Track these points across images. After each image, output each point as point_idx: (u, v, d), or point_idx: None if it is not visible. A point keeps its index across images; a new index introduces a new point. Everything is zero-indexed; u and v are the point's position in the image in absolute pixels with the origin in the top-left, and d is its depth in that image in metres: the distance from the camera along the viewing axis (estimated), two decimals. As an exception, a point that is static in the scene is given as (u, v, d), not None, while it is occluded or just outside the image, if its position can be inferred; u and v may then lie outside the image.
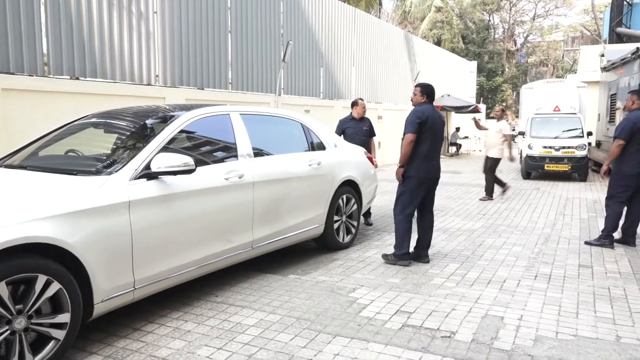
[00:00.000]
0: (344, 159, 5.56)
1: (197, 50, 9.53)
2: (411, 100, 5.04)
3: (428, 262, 4.99)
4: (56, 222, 2.81)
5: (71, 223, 2.88)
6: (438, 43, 31.39)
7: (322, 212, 5.16)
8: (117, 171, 3.30)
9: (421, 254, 5.04)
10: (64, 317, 2.84)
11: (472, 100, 25.64)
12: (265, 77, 11.51)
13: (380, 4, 26.97)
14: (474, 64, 28.72)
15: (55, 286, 2.78)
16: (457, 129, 22.00)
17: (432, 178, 4.90)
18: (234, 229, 4.09)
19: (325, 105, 13.51)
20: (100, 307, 3.08)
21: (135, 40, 8.28)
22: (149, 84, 8.53)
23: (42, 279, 2.73)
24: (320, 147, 5.37)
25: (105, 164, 3.46)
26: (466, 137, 22.56)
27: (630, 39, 19.04)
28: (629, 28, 20.60)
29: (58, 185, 3.10)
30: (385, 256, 5.03)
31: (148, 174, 3.40)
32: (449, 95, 20.04)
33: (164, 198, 3.47)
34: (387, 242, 5.80)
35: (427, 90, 4.97)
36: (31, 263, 2.70)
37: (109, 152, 3.81)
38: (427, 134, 4.77)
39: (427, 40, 27.87)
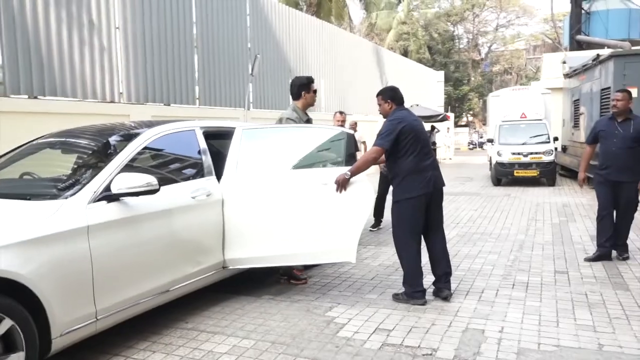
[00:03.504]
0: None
1: (162, 66, 9.31)
2: (380, 113, 4.39)
3: (450, 295, 4.10)
4: (6, 253, 2.59)
5: (23, 253, 2.67)
6: (405, 54, 31.78)
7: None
8: (74, 194, 3.10)
9: (440, 288, 4.15)
10: (18, 357, 2.61)
11: (440, 109, 25.96)
12: (234, 91, 11.35)
13: (350, 18, 27.20)
14: (441, 74, 29.15)
15: (6, 323, 2.56)
16: (433, 128, 21.95)
17: (429, 193, 4.03)
18: (203, 250, 3.91)
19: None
20: (59, 342, 2.86)
21: (97, 57, 8.02)
22: (112, 101, 8.26)
23: (-10, 317, 2.50)
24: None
25: (61, 187, 3.24)
26: (434, 143, 22.54)
27: (590, 46, 19.62)
28: (588, 35, 21.24)
29: (9, 211, 2.89)
30: (395, 296, 4.19)
31: (108, 196, 3.21)
32: (417, 105, 20.21)
33: (127, 221, 3.28)
34: (364, 256, 5.69)
35: (390, 94, 4.23)
36: (-23, 299, 2.48)
37: (67, 173, 3.59)
38: (409, 143, 4.00)
39: (394, 52, 28.17)
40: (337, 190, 4.01)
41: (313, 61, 14.97)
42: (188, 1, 9.95)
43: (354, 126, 8.90)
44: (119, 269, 3.21)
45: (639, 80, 9.86)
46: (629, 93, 5.27)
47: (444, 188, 4.21)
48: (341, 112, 7.01)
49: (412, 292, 4.06)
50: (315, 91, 4.89)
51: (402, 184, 4.03)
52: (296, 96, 4.90)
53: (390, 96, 4.22)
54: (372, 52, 19.72)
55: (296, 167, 4.59)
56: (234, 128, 4.46)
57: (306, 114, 4.96)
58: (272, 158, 4.57)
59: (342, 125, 6.76)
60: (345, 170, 4.04)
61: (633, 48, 14.71)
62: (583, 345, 3.24)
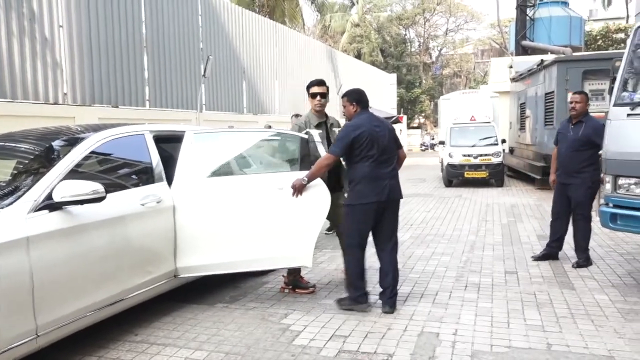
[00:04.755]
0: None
1: (110, 66, 8.98)
2: (343, 115, 4.35)
3: (391, 311, 3.98)
4: None
5: (-46, 268, 2.48)
6: (358, 56, 32.09)
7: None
8: (11, 203, 2.91)
9: (384, 302, 4.04)
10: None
11: (393, 111, 26.39)
12: (186, 93, 11.10)
13: (303, 20, 27.19)
14: (393, 77, 29.64)
15: None
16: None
17: (383, 201, 3.95)
18: (153, 259, 3.77)
19: (249, 121, 13.25)
20: (-5, 362, 2.68)
21: (39, 56, 7.65)
22: (55, 103, 7.90)
23: None
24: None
25: (-2, 196, 3.04)
26: None
27: (535, 51, 20.40)
28: (533, 41, 22.10)
29: (-62, 224, 2.68)
30: (339, 301, 4.13)
31: (50, 205, 3.03)
32: (371, 107, 20.43)
33: (71, 230, 3.11)
34: (319, 260, 5.66)
35: (356, 97, 4.14)
36: None
37: (4, 181, 3.38)
38: (366, 149, 3.91)
39: (348, 54, 28.42)
40: (293, 194, 3.99)
41: (267, 63, 14.86)
42: (137, 0, 9.66)
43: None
44: (62, 282, 3.04)
45: (580, 85, 10.31)
46: (587, 95, 5.36)
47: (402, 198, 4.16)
48: (297, 115, 6.94)
49: (357, 297, 4.01)
50: (313, 95, 4.54)
51: (357, 188, 3.96)
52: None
53: (356, 99, 4.13)
54: (326, 54, 19.79)
55: (249, 171, 4.56)
56: (185, 132, 4.33)
57: (325, 116, 4.66)
58: (224, 162, 4.50)
59: None
60: (301, 175, 4.02)
61: (574, 54, 15.40)
62: (533, 346, 3.32)
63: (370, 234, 4.09)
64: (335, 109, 15.47)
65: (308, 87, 4.61)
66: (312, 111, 4.63)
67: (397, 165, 4.18)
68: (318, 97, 4.51)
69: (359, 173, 3.96)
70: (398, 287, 4.41)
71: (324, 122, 4.63)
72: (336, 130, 4.60)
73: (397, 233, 4.20)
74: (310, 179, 3.99)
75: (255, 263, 4.14)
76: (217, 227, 4.02)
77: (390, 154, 4.06)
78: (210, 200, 4.06)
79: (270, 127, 10.76)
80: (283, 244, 4.04)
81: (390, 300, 4.02)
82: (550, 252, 5.52)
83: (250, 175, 4.49)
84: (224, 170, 4.42)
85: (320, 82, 4.61)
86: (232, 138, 4.81)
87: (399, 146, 4.23)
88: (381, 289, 4.09)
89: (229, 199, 4.08)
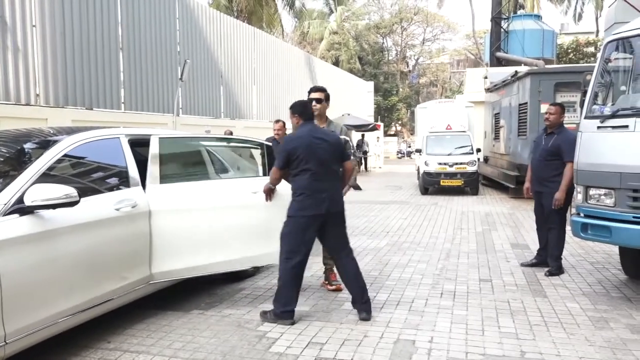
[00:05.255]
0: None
1: (84, 67, 8.82)
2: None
3: (368, 318, 3.96)
4: None
5: None
6: (336, 63, 32.27)
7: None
8: (-20, 207, 2.82)
9: (357, 308, 4.05)
10: None
11: (370, 118, 26.56)
12: (162, 96, 10.98)
13: (282, 26, 27.23)
14: (371, 84, 29.84)
15: None
16: (362, 136, 22.25)
17: (321, 215, 3.91)
18: (127, 264, 3.70)
19: (227, 125, 13.17)
20: (-41, 371, 2.58)
21: (10, 55, 7.47)
22: (27, 104, 7.71)
23: None
24: (224, 170, 5.10)
25: (-35, 199, 2.95)
26: (365, 152, 22.92)
27: (509, 62, 20.87)
28: (507, 53, 22.58)
29: None
30: (263, 314, 4.01)
31: (21, 209, 2.95)
32: (349, 114, 20.56)
33: (42, 235, 3.03)
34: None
35: (298, 109, 4.12)
36: None
37: (-27, 184, 3.27)
38: (303, 162, 3.90)
39: (326, 61, 28.54)
40: (266, 199, 4.31)
41: (245, 68, 14.81)
42: (113, 1, 9.52)
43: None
44: (33, 288, 2.96)
45: (552, 96, 10.56)
46: (563, 107, 5.49)
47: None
48: (277, 121, 6.91)
49: (281, 312, 3.90)
50: (310, 101, 4.49)
51: (296, 200, 3.94)
52: None
53: (299, 111, 4.12)
54: (305, 61, 19.84)
55: (224, 176, 4.64)
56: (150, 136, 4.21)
57: (325, 122, 4.65)
58: (195, 167, 4.59)
59: (281, 134, 6.60)
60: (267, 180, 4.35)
61: (547, 66, 15.79)
62: (507, 353, 3.36)
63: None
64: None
65: (308, 93, 4.70)
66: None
67: (344, 177, 4.28)
68: (314, 103, 4.52)
69: (298, 186, 3.95)
70: (374, 295, 4.44)
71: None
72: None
73: (349, 241, 4.20)
74: (274, 185, 4.28)
75: (231, 263, 4.34)
76: (193, 231, 4.05)
77: (330, 167, 4.02)
78: (185, 204, 4.07)
79: (209, 131, 10.67)
80: (258, 244, 4.36)
81: (364, 306, 4.02)
82: (539, 260, 5.61)
83: (225, 179, 4.70)
84: (196, 175, 4.51)
85: (317, 89, 4.67)
86: (199, 143, 4.88)
87: (345, 158, 4.21)
88: (354, 301, 4.08)
89: (205, 202, 4.17)
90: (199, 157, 4.74)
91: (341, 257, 4.08)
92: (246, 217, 4.30)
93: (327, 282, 4.83)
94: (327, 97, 4.65)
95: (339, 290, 4.66)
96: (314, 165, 3.91)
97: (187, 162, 4.68)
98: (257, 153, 4.90)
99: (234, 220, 4.24)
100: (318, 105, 4.53)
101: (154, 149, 4.07)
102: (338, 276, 4.42)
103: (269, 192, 4.28)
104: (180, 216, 4.01)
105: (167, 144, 4.23)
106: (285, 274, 3.92)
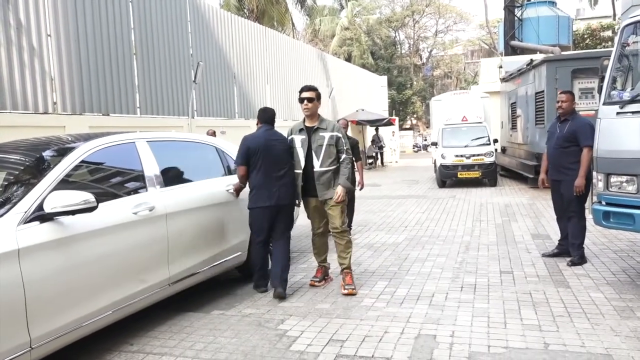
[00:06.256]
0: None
1: (99, 74, 8.94)
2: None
3: (283, 295, 4.46)
4: None
5: (-56, 282, 2.44)
6: (348, 59, 32.17)
7: (244, 239, 4.91)
8: (1, 215, 2.87)
9: (275, 285, 4.57)
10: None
11: (385, 113, 26.43)
12: (177, 99, 11.06)
13: (293, 24, 27.21)
14: (384, 79, 29.70)
15: None
16: (377, 131, 22.10)
17: (271, 206, 4.48)
18: (147, 267, 3.74)
19: (241, 126, 13.23)
20: (-13, 377, 2.64)
21: (27, 66, 7.59)
22: (45, 112, 7.84)
23: None
24: (238, 170, 5.13)
25: (-13, 208, 3.00)
26: (381, 147, 22.81)
27: (524, 51, 20.54)
28: (521, 41, 22.25)
29: None
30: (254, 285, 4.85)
31: (41, 216, 3.00)
32: (363, 110, 20.50)
33: (62, 242, 3.08)
34: (314, 265, 5.61)
35: (258, 114, 4.85)
36: None
37: (-6, 193, 3.33)
38: (257, 160, 4.48)
39: (338, 57, 28.48)
40: (235, 196, 4.74)
41: (258, 68, 14.85)
42: (125, 7, 9.63)
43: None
44: (56, 293, 3.01)
45: (569, 83, 10.38)
46: (573, 94, 5.44)
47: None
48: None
49: (256, 281, 4.75)
50: (301, 100, 4.63)
51: (252, 194, 4.57)
52: None
53: (259, 116, 4.82)
54: (317, 58, 19.81)
55: (201, 177, 4.68)
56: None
57: (317, 121, 4.67)
58: (183, 168, 4.60)
59: None
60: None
61: (562, 53, 15.51)
62: (530, 346, 3.32)
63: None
64: (325, 112, 15.47)
65: (299, 93, 4.74)
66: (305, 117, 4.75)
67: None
68: (305, 102, 4.63)
69: (253, 181, 4.56)
70: (394, 290, 4.43)
71: (309, 128, 4.66)
72: (326, 135, 4.60)
73: (289, 231, 4.81)
74: (243, 183, 4.68)
75: (232, 251, 4.75)
76: (196, 232, 4.25)
77: (281, 165, 4.56)
78: (191, 205, 4.21)
79: (224, 132, 10.62)
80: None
81: (282, 284, 4.56)
82: (561, 250, 5.54)
83: (207, 180, 4.70)
84: (186, 176, 4.52)
85: (308, 88, 4.71)
86: (177, 145, 4.77)
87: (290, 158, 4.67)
88: (272, 276, 4.64)
89: (194, 204, 4.27)
90: (180, 159, 4.67)
91: (279, 240, 4.68)
92: (228, 214, 4.69)
93: (342, 283, 4.76)
94: (319, 96, 4.73)
95: (352, 294, 4.55)
96: (266, 162, 4.50)
97: (180, 164, 4.61)
98: (209, 154, 4.99)
99: (216, 218, 4.55)
100: (310, 105, 4.62)
101: (142, 152, 4.06)
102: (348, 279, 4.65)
103: (239, 190, 4.73)
104: (187, 216, 4.14)
105: (150, 146, 4.16)
106: (255, 254, 4.70)
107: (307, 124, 4.71)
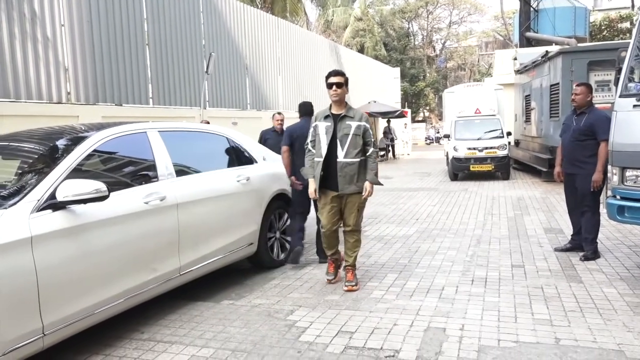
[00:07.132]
0: (274, 172, 5.35)
1: (112, 64, 8.97)
2: None
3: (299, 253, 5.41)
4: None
5: (-42, 269, 2.48)
6: (361, 50, 31.97)
7: (255, 230, 4.92)
8: (15, 204, 2.91)
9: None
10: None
11: (397, 105, 26.28)
12: (189, 90, 11.08)
13: (306, 14, 27.10)
14: (397, 70, 29.47)
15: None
16: (388, 123, 21.91)
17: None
18: (158, 257, 3.76)
19: (253, 117, 13.23)
20: (1, 362, 2.68)
21: (41, 55, 7.65)
22: (59, 102, 7.90)
23: None
24: (249, 161, 5.14)
25: (1, 196, 3.04)
26: (392, 140, 22.62)
27: (539, 42, 20.25)
28: (537, 32, 21.92)
29: (-58, 225, 2.68)
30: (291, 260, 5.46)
31: (54, 204, 3.03)
32: (375, 102, 20.38)
33: (74, 230, 3.11)
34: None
35: (300, 109, 5.73)
36: None
37: (8, 181, 3.38)
38: (296, 145, 5.31)
39: (351, 48, 28.30)
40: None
41: (270, 59, 14.81)
42: (138, -3, 9.63)
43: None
44: (68, 281, 3.04)
45: (585, 76, 10.22)
46: (589, 87, 5.31)
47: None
48: (279, 113, 6.97)
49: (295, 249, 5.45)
50: (329, 85, 4.43)
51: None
52: None
53: (299, 110, 5.73)
54: (330, 49, 19.71)
55: (215, 166, 4.71)
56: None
57: (345, 108, 4.49)
58: (195, 158, 4.57)
59: (282, 125, 6.67)
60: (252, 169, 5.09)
61: (579, 45, 15.27)
62: (541, 340, 3.29)
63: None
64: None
65: (326, 78, 4.52)
66: (332, 103, 4.53)
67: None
68: (334, 87, 4.41)
69: (295, 162, 5.27)
70: (404, 282, 4.41)
71: (336, 116, 4.45)
72: (353, 124, 4.38)
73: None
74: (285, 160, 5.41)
75: (243, 242, 4.75)
76: (206, 222, 4.27)
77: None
78: (201, 194, 4.22)
79: (236, 123, 10.65)
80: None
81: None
82: (574, 245, 5.49)
83: (218, 170, 4.70)
84: (198, 166, 4.47)
85: (336, 73, 4.49)
86: (188, 135, 4.77)
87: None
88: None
89: (205, 194, 4.29)
90: (192, 149, 4.69)
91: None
92: (239, 204, 4.74)
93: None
94: (347, 82, 4.50)
95: (351, 291, 4.44)
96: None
97: (191, 154, 4.62)
98: (220, 145, 4.99)
99: (227, 208, 4.58)
100: (338, 90, 4.39)
101: (153, 142, 4.09)
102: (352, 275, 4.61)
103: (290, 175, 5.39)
104: (198, 206, 4.15)
105: (170, 137, 4.24)
106: (294, 223, 5.51)
107: (334, 110, 4.48)
